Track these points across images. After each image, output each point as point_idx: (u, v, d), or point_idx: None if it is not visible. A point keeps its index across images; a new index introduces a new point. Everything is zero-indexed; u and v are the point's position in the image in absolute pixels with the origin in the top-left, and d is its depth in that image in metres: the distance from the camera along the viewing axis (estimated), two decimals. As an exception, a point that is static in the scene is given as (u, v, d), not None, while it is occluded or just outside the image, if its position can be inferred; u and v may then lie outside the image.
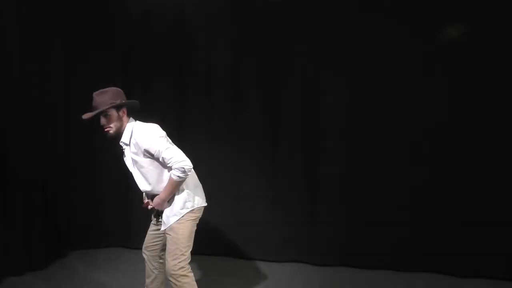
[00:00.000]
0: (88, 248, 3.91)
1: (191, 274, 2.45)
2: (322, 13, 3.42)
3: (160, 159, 2.33)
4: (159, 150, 2.30)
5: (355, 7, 3.37)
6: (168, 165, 2.33)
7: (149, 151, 2.32)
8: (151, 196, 2.48)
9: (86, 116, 2.34)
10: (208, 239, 3.73)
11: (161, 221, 2.48)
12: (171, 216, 2.43)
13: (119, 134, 2.40)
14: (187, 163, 2.29)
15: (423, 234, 3.38)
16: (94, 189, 3.89)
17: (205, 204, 2.57)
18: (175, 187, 2.37)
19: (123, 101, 2.38)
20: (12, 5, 3.16)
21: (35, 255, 3.41)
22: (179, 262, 2.40)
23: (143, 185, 2.46)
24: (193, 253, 3.80)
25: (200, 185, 2.59)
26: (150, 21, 3.72)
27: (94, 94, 2.37)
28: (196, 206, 2.48)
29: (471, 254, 3.30)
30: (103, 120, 2.36)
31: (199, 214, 2.53)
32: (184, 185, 2.44)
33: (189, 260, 2.45)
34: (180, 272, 2.39)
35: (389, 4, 3.32)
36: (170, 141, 2.44)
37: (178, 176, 2.30)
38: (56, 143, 3.65)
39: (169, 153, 2.30)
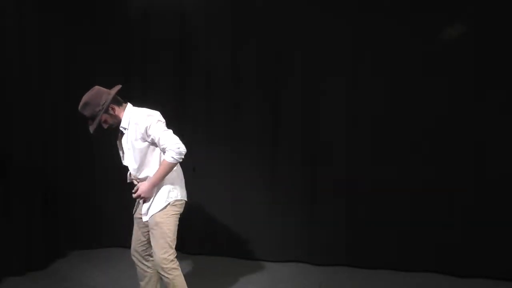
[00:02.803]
0: (88, 248, 3.91)
1: (179, 266, 2.48)
2: (322, 13, 3.42)
3: (156, 140, 2.36)
4: (157, 132, 2.34)
5: (355, 7, 3.37)
6: (162, 147, 2.36)
7: (147, 132, 2.36)
8: (137, 180, 2.52)
9: (92, 130, 2.42)
10: (208, 239, 3.73)
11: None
12: (155, 205, 2.43)
13: (119, 123, 2.47)
14: (183, 146, 2.33)
15: (423, 234, 3.38)
16: (94, 189, 3.89)
17: (187, 200, 2.58)
18: (168, 170, 2.38)
19: (106, 101, 2.39)
20: (12, 5, 3.16)
21: (35, 255, 3.41)
22: (169, 256, 2.42)
23: (133, 168, 2.50)
24: (193, 253, 3.82)
25: (184, 181, 2.60)
26: (150, 21, 3.72)
27: (79, 109, 2.40)
28: (179, 197, 2.49)
29: (471, 254, 3.30)
30: (104, 126, 2.46)
31: (181, 209, 2.54)
32: (169, 176, 2.45)
33: (176, 254, 2.47)
34: (171, 265, 2.42)
35: (389, 4, 3.32)
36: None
37: (173, 157, 2.32)
38: (56, 143, 3.65)
39: (166, 135, 2.34)
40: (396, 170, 3.39)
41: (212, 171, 3.69)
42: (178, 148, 2.31)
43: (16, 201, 3.27)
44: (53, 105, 3.59)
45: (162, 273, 2.43)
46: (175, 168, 2.48)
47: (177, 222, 2.50)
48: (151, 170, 2.44)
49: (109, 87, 3.61)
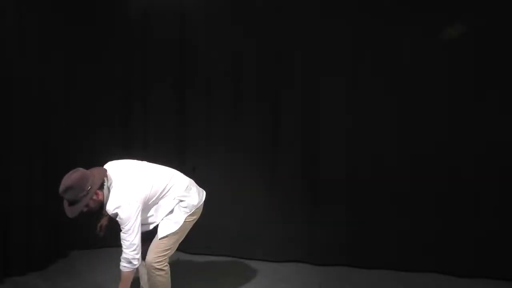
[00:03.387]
0: (88, 248, 3.90)
1: (167, 268, 2.50)
2: (322, 13, 3.42)
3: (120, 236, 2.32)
4: (125, 227, 2.28)
5: (355, 7, 3.37)
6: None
7: (120, 224, 2.33)
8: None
9: (72, 215, 2.28)
10: (208, 239, 3.73)
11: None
12: (172, 223, 2.47)
13: (102, 207, 2.38)
14: (131, 254, 2.27)
15: (423, 234, 3.38)
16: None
17: (202, 202, 2.59)
18: (126, 281, 2.33)
19: (92, 186, 2.27)
20: (12, 5, 3.16)
21: (35, 255, 3.41)
22: (159, 256, 2.46)
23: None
24: (193, 253, 3.81)
25: (194, 186, 2.61)
26: (150, 22, 3.71)
27: (60, 192, 2.26)
28: (194, 208, 2.52)
29: (471, 254, 3.30)
30: (84, 210, 2.31)
31: (198, 216, 2.58)
32: (173, 193, 2.48)
33: (169, 256, 2.52)
34: (157, 265, 2.45)
35: (389, 4, 3.32)
36: (151, 195, 2.40)
37: (124, 266, 2.30)
38: (56, 143, 3.64)
39: (128, 234, 2.27)
40: (396, 170, 3.39)
41: (212, 171, 3.69)
42: (127, 258, 2.28)
43: (16, 201, 3.27)
44: (53, 105, 3.59)
45: (148, 268, 2.49)
46: (178, 180, 2.50)
47: (188, 229, 2.55)
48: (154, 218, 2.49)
49: (109, 87, 3.60)
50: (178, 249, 2.65)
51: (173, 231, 2.46)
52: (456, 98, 3.28)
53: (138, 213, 2.31)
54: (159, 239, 2.47)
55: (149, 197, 2.40)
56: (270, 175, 3.64)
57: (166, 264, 2.50)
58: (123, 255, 2.29)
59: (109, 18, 3.76)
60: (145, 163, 2.58)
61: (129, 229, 2.27)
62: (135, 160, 2.58)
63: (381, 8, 3.33)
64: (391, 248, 3.45)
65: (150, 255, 2.46)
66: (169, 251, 2.50)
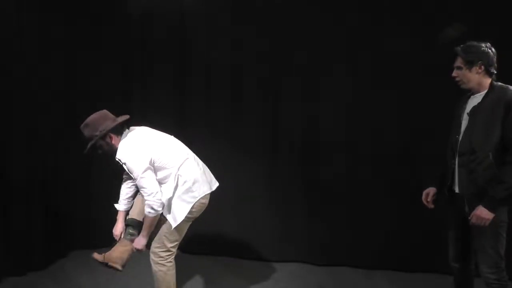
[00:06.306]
0: (88, 248, 3.90)
1: (169, 265, 2.51)
2: (322, 13, 3.43)
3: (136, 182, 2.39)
4: (135, 176, 2.34)
5: (355, 7, 3.37)
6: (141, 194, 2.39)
7: (129, 173, 2.38)
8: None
9: (85, 150, 2.43)
10: (208, 239, 3.73)
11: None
12: (178, 212, 2.45)
13: (115, 152, 2.43)
14: (153, 198, 2.32)
15: (423, 234, 3.38)
16: (94, 189, 3.88)
17: (209, 192, 2.61)
18: (151, 222, 2.41)
19: (105, 128, 2.38)
20: (12, 5, 3.16)
21: (35, 255, 3.41)
22: (161, 252, 2.48)
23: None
24: (193, 253, 3.81)
25: (203, 175, 2.61)
26: (150, 21, 3.72)
27: (81, 127, 2.42)
28: (198, 196, 2.50)
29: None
30: (99, 151, 2.46)
31: (201, 208, 2.57)
32: (180, 180, 2.47)
33: (173, 254, 2.52)
34: (158, 260, 2.48)
35: (389, 4, 3.32)
36: (160, 160, 2.42)
37: (149, 212, 2.35)
38: (56, 143, 3.64)
39: (142, 182, 2.33)
40: (396, 170, 3.39)
41: (212, 171, 3.68)
42: (150, 205, 2.32)
43: (16, 201, 3.27)
44: (53, 105, 3.59)
45: (151, 261, 2.51)
46: (188, 167, 2.50)
47: (192, 219, 2.55)
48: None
49: (109, 88, 3.59)
50: (177, 249, 2.64)
51: (185, 215, 2.45)
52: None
53: (145, 162, 2.34)
54: (164, 230, 2.48)
55: (156, 158, 2.41)
56: (270, 175, 3.64)
57: (169, 261, 2.51)
58: (146, 202, 2.34)
59: (109, 18, 3.75)
60: (173, 137, 2.67)
61: (137, 176, 2.33)
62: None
63: (381, 8, 3.32)
64: (391, 248, 3.45)
65: (153, 247, 2.50)
66: (172, 244, 2.49)
